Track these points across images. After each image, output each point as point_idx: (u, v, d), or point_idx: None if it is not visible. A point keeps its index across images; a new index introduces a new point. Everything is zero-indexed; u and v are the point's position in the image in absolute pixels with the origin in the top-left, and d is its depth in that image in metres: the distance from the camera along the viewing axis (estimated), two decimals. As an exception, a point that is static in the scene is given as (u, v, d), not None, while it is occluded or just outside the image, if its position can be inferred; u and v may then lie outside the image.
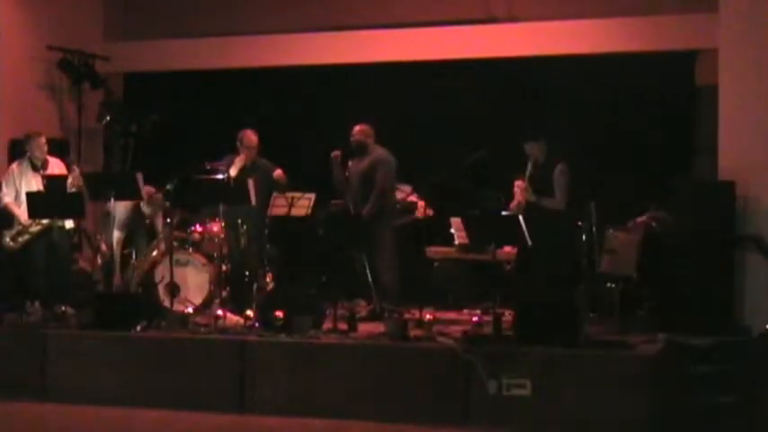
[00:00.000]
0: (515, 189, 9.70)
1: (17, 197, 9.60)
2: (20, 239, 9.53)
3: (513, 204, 9.29)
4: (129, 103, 12.29)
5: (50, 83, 11.97)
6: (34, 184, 9.61)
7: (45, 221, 9.50)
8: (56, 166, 9.83)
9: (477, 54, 11.35)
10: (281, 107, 11.97)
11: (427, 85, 11.64)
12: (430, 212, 10.37)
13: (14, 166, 9.78)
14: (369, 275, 9.63)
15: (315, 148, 11.77)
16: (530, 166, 8.95)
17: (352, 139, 9.84)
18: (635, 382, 7.33)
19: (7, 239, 9.53)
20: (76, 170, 9.84)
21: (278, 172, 9.86)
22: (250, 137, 9.94)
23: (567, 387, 7.44)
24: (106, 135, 12.38)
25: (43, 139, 9.72)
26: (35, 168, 9.67)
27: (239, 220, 9.79)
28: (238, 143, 9.94)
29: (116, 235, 10.29)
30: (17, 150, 10.28)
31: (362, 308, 9.74)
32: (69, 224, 9.81)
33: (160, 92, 12.32)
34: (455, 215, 9.90)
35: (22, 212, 9.51)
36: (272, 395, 8.03)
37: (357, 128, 9.83)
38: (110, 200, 9.35)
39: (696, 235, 8.90)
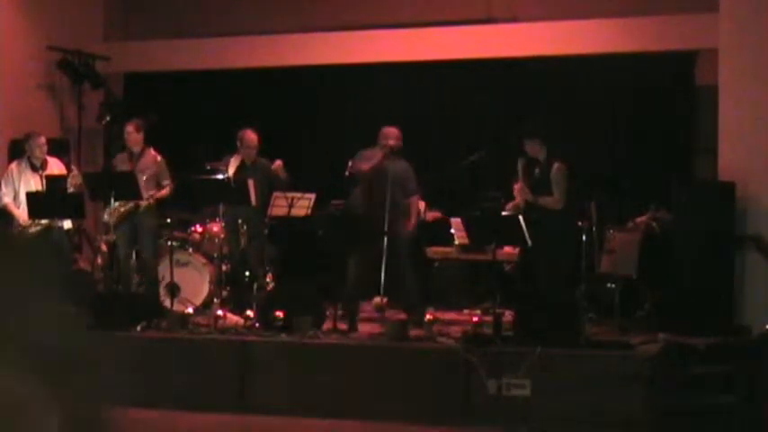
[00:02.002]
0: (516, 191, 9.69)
1: (15, 197, 9.59)
2: (19, 241, 9.50)
3: (511, 206, 9.26)
4: (129, 103, 12.28)
5: (50, 83, 11.96)
6: (33, 184, 9.59)
7: (44, 222, 9.49)
8: (55, 166, 9.81)
9: (477, 54, 11.34)
10: (281, 107, 11.96)
11: (427, 85, 11.64)
12: (437, 215, 10.34)
13: (13, 165, 9.75)
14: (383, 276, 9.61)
15: (315, 149, 11.80)
16: (537, 169, 8.92)
17: (394, 142, 9.19)
18: (635, 382, 7.33)
19: (7, 241, 9.50)
20: (75, 171, 9.84)
21: (277, 162, 9.73)
22: (250, 136, 9.93)
23: (567, 387, 7.44)
24: (106, 135, 12.37)
25: (43, 139, 9.70)
26: (34, 168, 9.65)
27: (239, 220, 9.78)
28: (238, 143, 9.93)
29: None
30: (17, 150, 10.25)
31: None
32: (67, 224, 9.80)
33: (160, 92, 12.32)
34: (455, 215, 9.89)
35: (21, 213, 9.48)
36: (272, 395, 8.03)
37: (396, 132, 9.23)
38: (110, 200, 9.34)
39: (696, 235, 8.90)
